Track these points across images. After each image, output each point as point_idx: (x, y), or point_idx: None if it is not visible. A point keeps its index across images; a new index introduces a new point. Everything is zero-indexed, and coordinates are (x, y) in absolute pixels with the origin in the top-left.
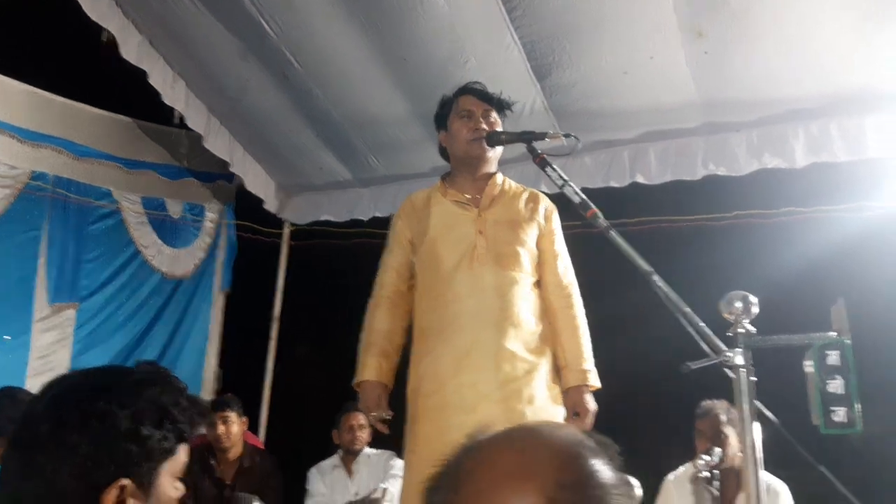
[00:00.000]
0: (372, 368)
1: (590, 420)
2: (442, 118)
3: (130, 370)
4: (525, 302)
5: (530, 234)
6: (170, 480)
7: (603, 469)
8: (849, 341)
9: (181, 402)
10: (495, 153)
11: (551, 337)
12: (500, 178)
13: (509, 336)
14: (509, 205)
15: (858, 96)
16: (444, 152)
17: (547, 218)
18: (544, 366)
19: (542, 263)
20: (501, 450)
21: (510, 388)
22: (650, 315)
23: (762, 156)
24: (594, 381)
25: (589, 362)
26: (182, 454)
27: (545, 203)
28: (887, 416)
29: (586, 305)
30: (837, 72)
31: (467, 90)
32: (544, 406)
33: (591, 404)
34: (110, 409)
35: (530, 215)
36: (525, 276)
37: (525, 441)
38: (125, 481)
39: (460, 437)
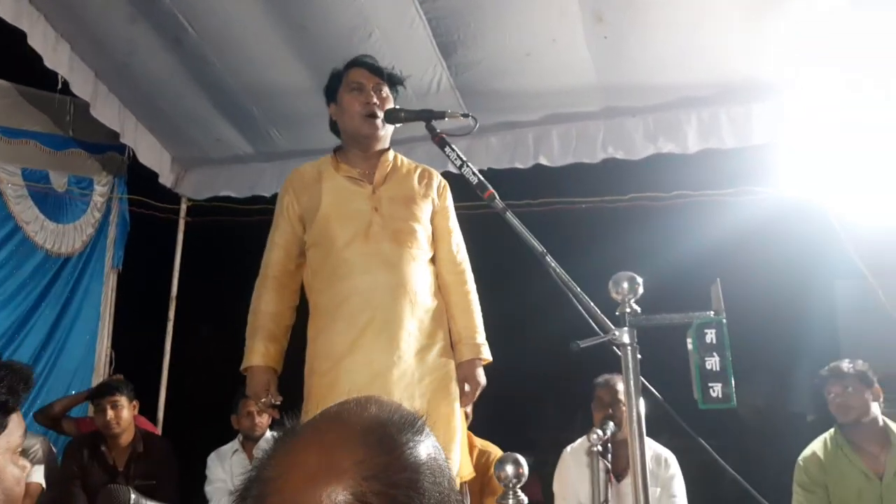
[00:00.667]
0: (259, 353)
1: (476, 393)
2: (332, 91)
3: None
4: (421, 278)
5: (425, 211)
6: (8, 457)
7: (411, 450)
8: (724, 320)
9: None
10: (387, 130)
11: (445, 313)
12: (391, 154)
13: (405, 313)
14: (403, 181)
15: (745, 85)
16: (334, 126)
17: (440, 194)
18: (439, 343)
19: (437, 240)
20: (303, 448)
21: (404, 366)
22: (554, 295)
23: (657, 140)
24: (487, 354)
25: (481, 336)
26: (14, 425)
27: (438, 179)
28: (762, 391)
29: (490, 286)
30: (726, 61)
31: (357, 63)
32: (438, 384)
33: (482, 378)
34: None
35: (424, 192)
36: (421, 253)
37: (325, 434)
38: None
39: None
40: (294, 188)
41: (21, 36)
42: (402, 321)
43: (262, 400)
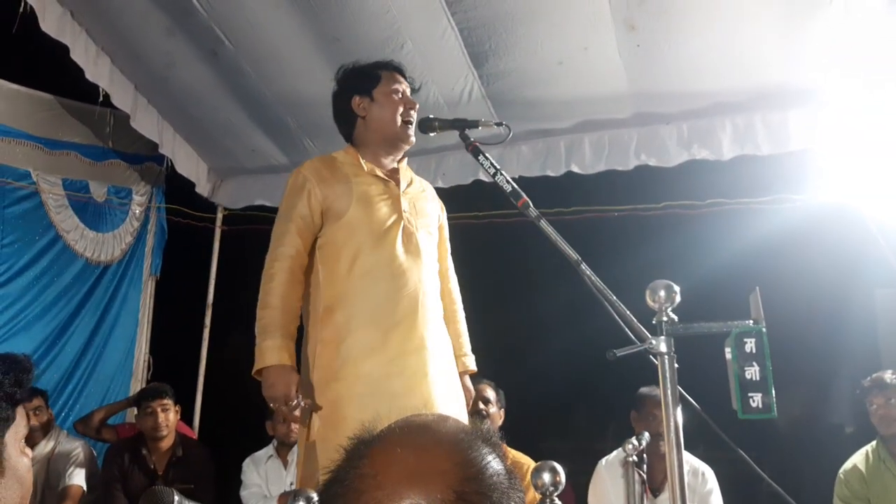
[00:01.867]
0: (282, 351)
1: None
2: (363, 85)
3: None
4: (437, 282)
5: (435, 220)
6: (16, 447)
7: (496, 458)
8: (764, 329)
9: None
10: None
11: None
12: (405, 161)
13: (431, 318)
14: (418, 189)
15: (781, 91)
16: (348, 116)
17: (442, 209)
18: (449, 347)
19: (441, 252)
20: (399, 449)
21: (434, 372)
22: (587, 303)
23: (691, 147)
24: (474, 365)
25: (469, 347)
26: (20, 417)
27: (436, 195)
28: (800, 402)
29: (525, 294)
30: (761, 67)
31: (395, 68)
32: (457, 388)
33: (472, 389)
34: None
35: (432, 203)
36: (435, 263)
37: (419, 438)
38: None
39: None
40: (315, 180)
41: (64, 50)
42: (430, 326)
43: (293, 402)
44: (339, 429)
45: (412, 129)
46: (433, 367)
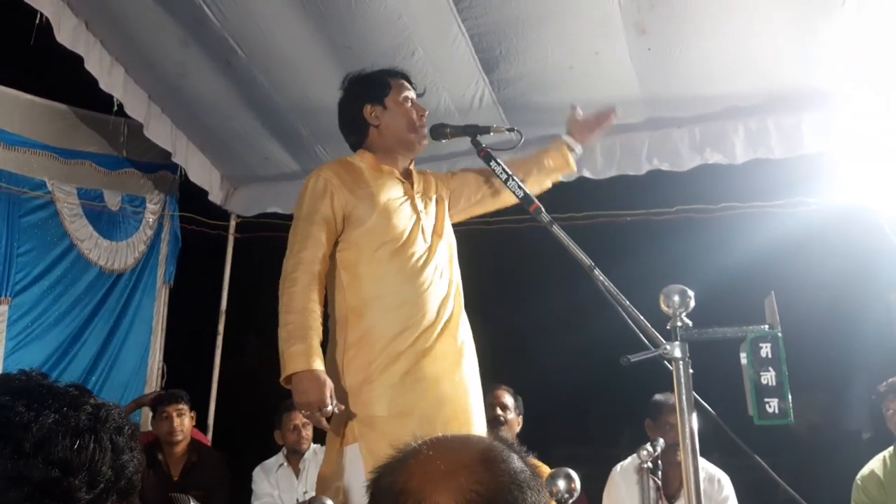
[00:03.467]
0: (313, 356)
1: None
2: (374, 94)
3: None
4: (458, 285)
5: (447, 220)
6: None
7: (513, 466)
8: (780, 334)
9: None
10: None
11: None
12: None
13: (458, 317)
14: (429, 186)
15: (794, 94)
16: (359, 125)
17: (445, 179)
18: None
19: (460, 178)
20: (434, 456)
21: (468, 366)
22: (599, 309)
23: (703, 151)
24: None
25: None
26: None
27: (436, 175)
28: (816, 407)
29: (536, 300)
30: (774, 70)
31: (404, 76)
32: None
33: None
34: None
35: (440, 192)
36: (453, 260)
37: (449, 449)
38: None
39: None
40: (337, 183)
41: (78, 60)
42: (459, 322)
43: (328, 408)
44: (377, 429)
45: (424, 133)
46: (465, 362)
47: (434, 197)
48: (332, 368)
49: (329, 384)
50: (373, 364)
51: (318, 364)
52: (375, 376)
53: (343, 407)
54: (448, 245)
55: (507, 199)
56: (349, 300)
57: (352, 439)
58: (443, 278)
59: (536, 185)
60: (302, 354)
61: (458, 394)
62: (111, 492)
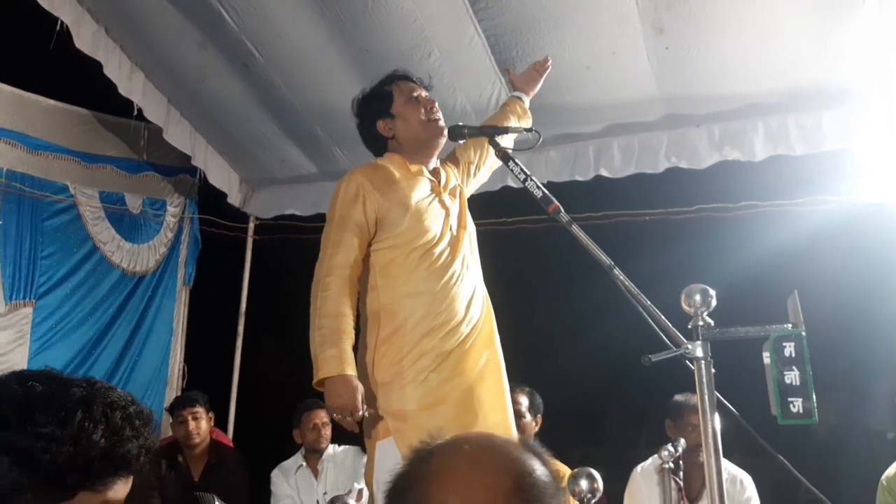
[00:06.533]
0: (346, 361)
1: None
2: (381, 109)
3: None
4: (483, 285)
5: (471, 220)
6: None
7: (539, 469)
8: (803, 333)
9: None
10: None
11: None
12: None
13: (486, 316)
14: (451, 180)
15: (815, 91)
16: (378, 141)
17: (457, 159)
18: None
19: (468, 154)
20: (462, 453)
21: (494, 364)
22: (616, 308)
23: (722, 149)
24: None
25: None
26: (121, 485)
27: (451, 161)
28: (840, 407)
29: (554, 300)
30: (794, 67)
31: (402, 77)
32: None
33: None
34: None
35: (458, 180)
36: (478, 260)
37: (481, 448)
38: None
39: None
40: (369, 187)
41: (98, 65)
42: (483, 321)
43: (359, 413)
44: (409, 421)
45: (440, 125)
46: (491, 360)
47: (457, 189)
48: (363, 366)
49: (360, 389)
50: (404, 360)
51: (351, 369)
52: (406, 371)
53: (373, 411)
54: (469, 234)
55: (490, 160)
56: (382, 298)
57: (384, 434)
58: (469, 270)
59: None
60: (335, 359)
61: (487, 388)
62: (106, 461)
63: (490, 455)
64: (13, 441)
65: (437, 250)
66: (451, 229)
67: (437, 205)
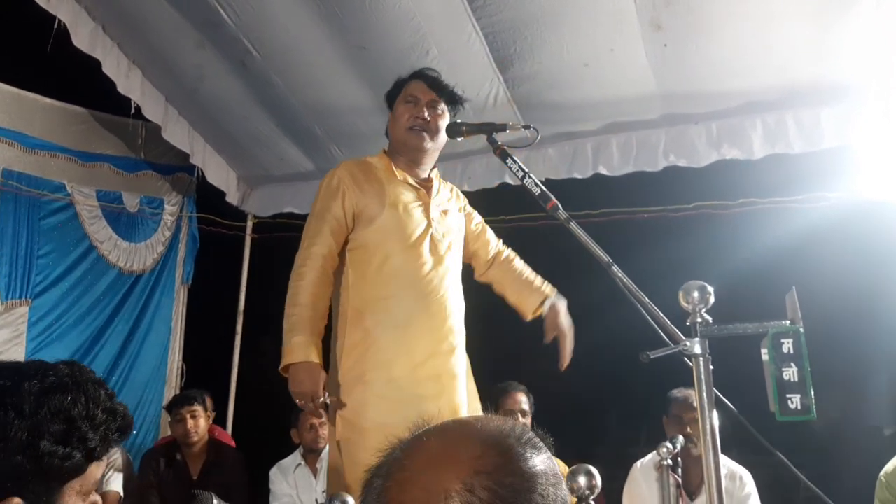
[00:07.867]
0: (312, 348)
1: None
2: (391, 98)
3: (45, 370)
4: (461, 293)
5: (461, 223)
6: (77, 499)
7: (526, 460)
8: (801, 329)
9: (96, 415)
10: (437, 145)
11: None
12: (436, 170)
13: (458, 321)
14: (445, 196)
15: (813, 88)
16: (387, 136)
17: (466, 204)
18: (463, 345)
19: (480, 236)
20: (429, 440)
21: (463, 375)
22: (614, 305)
23: (721, 147)
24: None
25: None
26: (94, 470)
27: (459, 192)
28: (838, 404)
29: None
30: (792, 64)
31: (419, 76)
32: (472, 402)
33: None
34: (6, 418)
35: (457, 205)
36: (459, 272)
37: (452, 432)
38: (15, 500)
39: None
40: (349, 182)
41: (96, 64)
42: (456, 330)
43: (319, 399)
44: (363, 433)
45: (421, 133)
46: (460, 369)
47: (454, 210)
48: (332, 363)
49: (323, 376)
50: (366, 366)
51: (315, 356)
52: (367, 378)
53: (335, 399)
54: (457, 262)
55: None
56: (352, 299)
57: (338, 434)
58: (448, 290)
59: (510, 295)
60: (300, 346)
61: (453, 400)
62: (112, 430)
63: (455, 440)
64: (31, 431)
65: (413, 257)
66: (432, 240)
67: (420, 212)
